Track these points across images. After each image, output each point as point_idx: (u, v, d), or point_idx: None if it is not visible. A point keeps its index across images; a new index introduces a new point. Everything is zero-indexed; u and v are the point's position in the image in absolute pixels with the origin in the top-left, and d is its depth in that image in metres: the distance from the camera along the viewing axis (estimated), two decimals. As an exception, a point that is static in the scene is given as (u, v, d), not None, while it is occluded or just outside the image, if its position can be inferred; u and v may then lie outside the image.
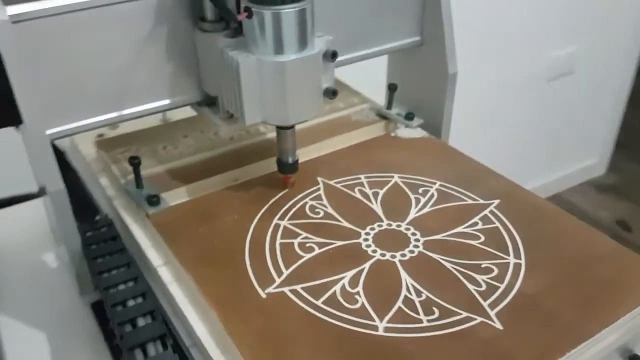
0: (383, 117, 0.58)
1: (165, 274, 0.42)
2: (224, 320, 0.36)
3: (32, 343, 0.46)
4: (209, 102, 0.49)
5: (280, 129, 0.46)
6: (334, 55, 0.44)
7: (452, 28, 0.55)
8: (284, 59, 0.41)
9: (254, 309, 0.37)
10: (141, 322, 0.37)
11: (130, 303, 0.38)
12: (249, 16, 0.41)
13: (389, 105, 0.58)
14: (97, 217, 0.48)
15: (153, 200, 0.46)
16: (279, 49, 0.41)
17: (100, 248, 0.44)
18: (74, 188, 0.49)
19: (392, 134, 0.55)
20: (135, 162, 0.47)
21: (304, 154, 0.51)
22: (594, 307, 0.36)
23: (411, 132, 0.56)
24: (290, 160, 0.48)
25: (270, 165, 0.50)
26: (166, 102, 0.47)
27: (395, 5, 0.55)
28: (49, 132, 0.42)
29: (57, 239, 0.48)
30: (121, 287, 0.40)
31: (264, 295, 0.38)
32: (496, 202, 0.45)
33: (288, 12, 0.40)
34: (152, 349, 0.36)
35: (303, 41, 0.42)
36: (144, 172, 0.50)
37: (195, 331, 0.37)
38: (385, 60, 0.63)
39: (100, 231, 0.46)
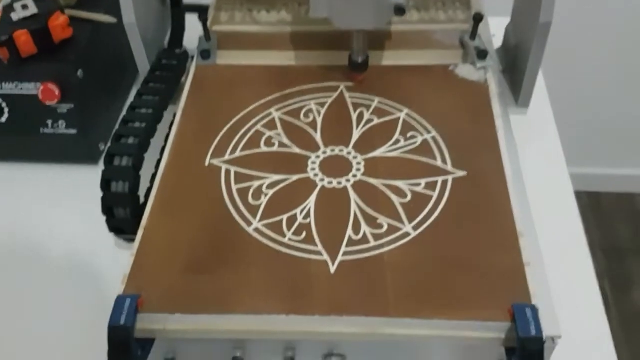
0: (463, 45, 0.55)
1: (178, 114, 0.52)
2: (169, 164, 0.46)
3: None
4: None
5: None
6: None
7: None
8: None
9: (192, 172, 0.45)
10: (130, 140, 0.48)
11: (137, 125, 0.50)
12: None
13: (472, 35, 0.54)
14: (179, 50, 0.60)
15: (204, 55, 0.55)
16: None
17: (157, 76, 0.55)
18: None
19: (450, 68, 0.53)
20: (203, 20, 0.55)
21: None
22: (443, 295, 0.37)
23: (470, 72, 0.52)
24: (359, 60, 0.51)
25: (335, 58, 0.53)
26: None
27: None
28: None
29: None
30: (142, 110, 0.51)
31: (207, 164, 0.46)
32: (461, 174, 0.44)
33: None
34: (124, 161, 0.47)
35: None
36: (227, 27, 0.57)
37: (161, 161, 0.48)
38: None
39: (170, 62, 0.57)
